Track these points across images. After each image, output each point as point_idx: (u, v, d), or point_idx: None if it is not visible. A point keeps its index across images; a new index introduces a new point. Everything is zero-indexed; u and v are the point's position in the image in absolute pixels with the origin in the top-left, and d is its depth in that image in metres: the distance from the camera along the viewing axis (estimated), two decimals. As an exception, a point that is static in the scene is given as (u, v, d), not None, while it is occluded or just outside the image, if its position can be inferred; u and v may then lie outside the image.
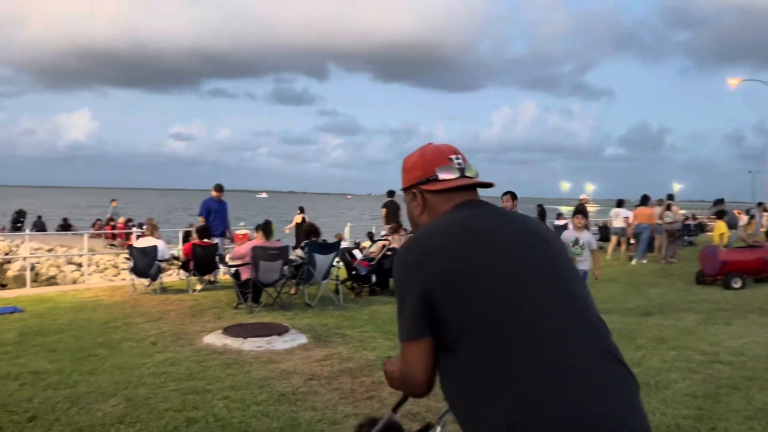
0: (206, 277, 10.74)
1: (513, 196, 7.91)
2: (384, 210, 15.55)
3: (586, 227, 8.67)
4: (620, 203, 17.57)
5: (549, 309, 1.49)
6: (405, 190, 1.79)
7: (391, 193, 15.71)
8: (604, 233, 20.69)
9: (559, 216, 21.89)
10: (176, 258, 11.16)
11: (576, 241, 8.09)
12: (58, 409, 4.48)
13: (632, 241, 17.06)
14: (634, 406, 1.44)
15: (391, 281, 10.48)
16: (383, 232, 16.13)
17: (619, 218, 16.67)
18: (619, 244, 16.67)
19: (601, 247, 20.01)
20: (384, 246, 10.93)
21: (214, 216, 11.25)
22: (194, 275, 10.41)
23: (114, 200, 25.15)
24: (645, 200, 15.74)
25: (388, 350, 6.25)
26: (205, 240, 10.47)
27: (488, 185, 1.76)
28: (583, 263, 8.03)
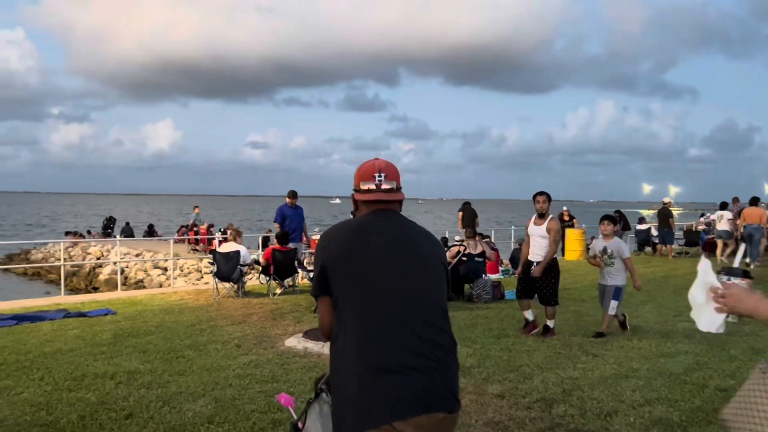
0: (286, 282, 11.00)
1: (548, 197, 7.37)
2: (461, 214, 15.52)
3: (616, 234, 8.31)
4: (724, 206, 16.96)
5: (397, 294, 2.10)
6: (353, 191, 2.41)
7: (467, 203, 15.77)
8: (690, 238, 19.80)
9: (641, 220, 21.12)
10: (257, 263, 11.48)
11: (604, 251, 7.29)
12: (152, 408, 4.69)
13: (725, 244, 16.30)
14: (439, 375, 2.04)
15: (467, 287, 10.42)
16: (457, 238, 16.04)
17: (723, 221, 16.06)
18: (725, 246, 16.12)
19: (687, 253, 19.29)
20: (459, 252, 10.87)
21: (289, 222, 11.40)
22: (274, 279, 10.69)
23: (196, 207, 26.16)
24: (755, 201, 15.16)
25: (467, 357, 6.20)
26: (285, 245, 10.72)
27: (397, 200, 2.32)
28: (616, 277, 7.18)
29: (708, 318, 1.91)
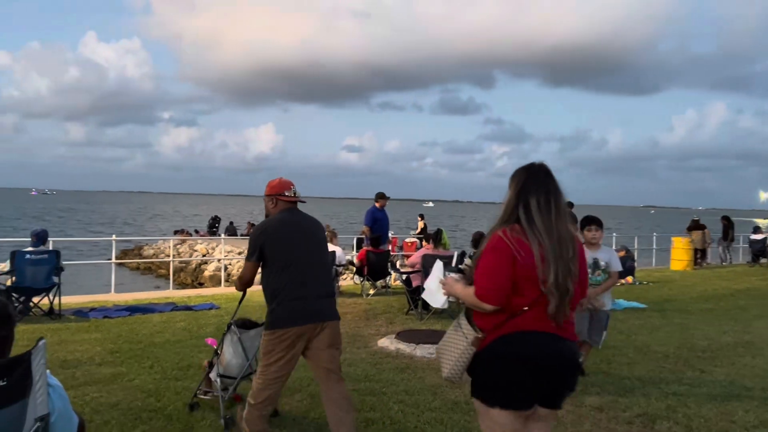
0: (378, 283, 11.10)
1: (570, 205, 5.84)
2: (559, 219, 14.98)
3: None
4: None
5: (306, 260, 3.74)
6: (269, 195, 3.91)
7: (570, 204, 14.99)
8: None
9: (756, 230, 19.73)
10: (351, 263, 11.66)
11: (595, 264, 5.55)
12: (251, 399, 4.87)
13: None
14: (332, 305, 3.87)
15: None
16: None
17: None
18: None
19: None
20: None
21: (380, 224, 11.31)
22: (368, 280, 10.83)
23: (295, 208, 26.93)
24: None
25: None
26: (379, 248, 10.84)
27: (303, 201, 3.97)
28: (606, 299, 5.58)
29: (439, 299, 3.25)
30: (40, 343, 2.16)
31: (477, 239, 9.97)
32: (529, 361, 2.55)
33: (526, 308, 2.55)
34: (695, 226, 19.47)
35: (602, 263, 5.58)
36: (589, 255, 5.49)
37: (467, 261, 9.77)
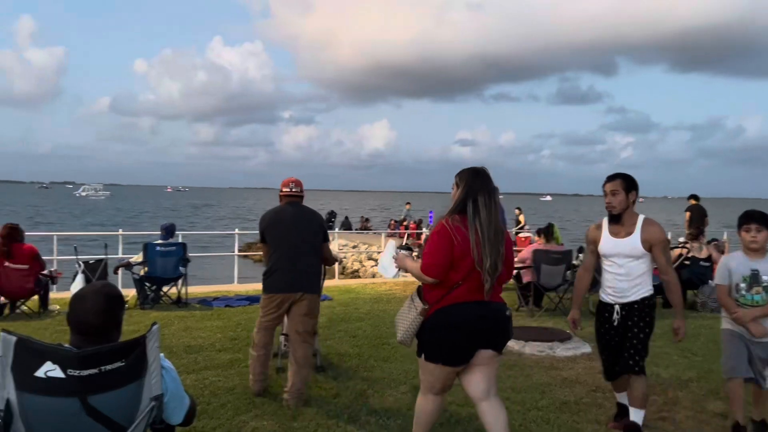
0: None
1: (624, 182, 4.08)
2: (688, 214, 14.07)
3: None
4: None
5: (293, 242, 4.78)
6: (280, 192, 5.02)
7: (695, 197, 14.03)
8: None
9: None
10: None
11: (754, 278, 4.01)
12: (357, 389, 4.99)
13: None
14: (310, 281, 4.84)
15: (690, 294, 9.47)
16: (681, 239, 14.65)
17: None
18: None
19: None
20: (681, 255, 9.93)
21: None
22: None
23: (408, 203, 27.19)
24: None
25: (685, 369, 5.67)
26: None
27: (299, 196, 5.00)
28: None
29: (391, 272, 4.21)
30: (154, 327, 2.33)
31: (593, 234, 9.57)
32: (463, 325, 3.23)
33: (460, 282, 3.21)
34: None
35: (765, 278, 4.01)
36: (747, 263, 4.06)
37: (581, 257, 9.42)
